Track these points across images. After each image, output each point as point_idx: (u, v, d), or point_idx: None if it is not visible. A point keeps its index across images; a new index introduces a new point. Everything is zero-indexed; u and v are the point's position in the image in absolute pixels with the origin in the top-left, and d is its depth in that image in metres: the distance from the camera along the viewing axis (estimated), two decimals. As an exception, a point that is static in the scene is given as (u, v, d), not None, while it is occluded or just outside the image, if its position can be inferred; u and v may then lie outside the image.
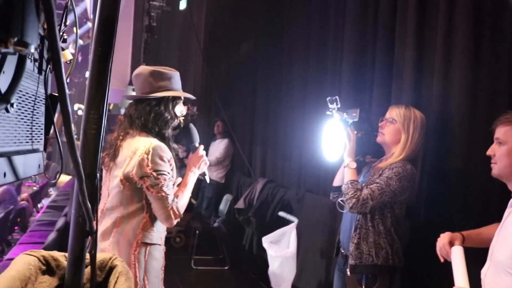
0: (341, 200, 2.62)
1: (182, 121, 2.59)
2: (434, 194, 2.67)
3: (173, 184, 2.39)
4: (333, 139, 2.81)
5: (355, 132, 2.65)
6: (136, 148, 2.27)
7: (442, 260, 2.03)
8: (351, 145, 2.62)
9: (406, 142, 2.48)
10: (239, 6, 6.80)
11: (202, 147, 2.57)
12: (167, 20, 11.13)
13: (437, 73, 2.71)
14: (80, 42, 17.48)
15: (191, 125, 2.60)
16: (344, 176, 2.59)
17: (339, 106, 2.71)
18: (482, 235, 2.04)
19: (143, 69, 2.42)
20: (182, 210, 2.36)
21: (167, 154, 2.30)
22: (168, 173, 2.29)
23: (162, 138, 2.38)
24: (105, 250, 2.26)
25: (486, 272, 1.80)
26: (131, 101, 2.49)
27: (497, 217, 1.85)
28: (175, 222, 2.32)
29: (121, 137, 2.38)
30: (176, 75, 2.45)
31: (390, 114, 2.57)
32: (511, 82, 2.25)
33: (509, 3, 2.25)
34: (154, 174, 2.22)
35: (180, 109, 2.47)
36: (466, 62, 2.51)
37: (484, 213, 2.32)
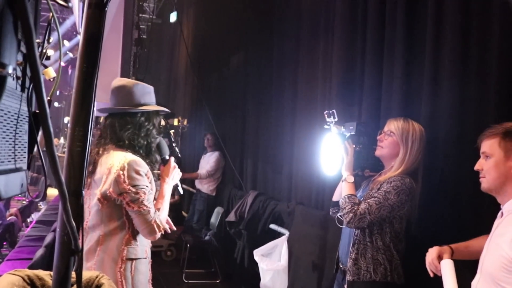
0: (339, 215, 2.58)
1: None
2: (429, 208, 2.64)
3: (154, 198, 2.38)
4: (331, 153, 2.78)
5: (353, 145, 2.62)
6: (111, 164, 2.24)
7: (432, 275, 2.03)
8: (349, 159, 2.59)
9: (405, 155, 2.44)
10: (229, 19, 6.83)
11: (172, 158, 2.58)
12: (157, 33, 11.15)
13: (426, 86, 2.72)
14: (70, 55, 17.42)
15: (160, 139, 2.58)
16: (342, 191, 2.56)
17: (336, 119, 2.68)
18: (470, 248, 2.04)
19: (127, 81, 2.41)
20: (164, 223, 2.34)
21: (143, 168, 2.28)
22: (147, 186, 2.27)
23: (148, 151, 2.39)
24: (91, 269, 2.23)
25: (476, 285, 1.80)
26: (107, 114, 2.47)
27: (488, 230, 1.85)
28: (158, 235, 2.30)
29: (99, 152, 2.35)
30: (152, 89, 2.49)
31: (388, 127, 2.54)
32: (500, 92, 2.25)
33: (498, 10, 2.26)
34: (133, 189, 2.20)
35: (160, 123, 2.50)
36: (454, 74, 2.52)
37: (477, 226, 2.31)
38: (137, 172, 2.23)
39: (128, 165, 2.21)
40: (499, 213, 1.80)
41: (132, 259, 2.28)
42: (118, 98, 2.39)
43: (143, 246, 2.35)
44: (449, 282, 1.87)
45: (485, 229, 1.90)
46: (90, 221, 2.32)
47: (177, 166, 2.58)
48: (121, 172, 2.19)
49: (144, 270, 2.35)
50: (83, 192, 1.07)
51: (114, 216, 2.28)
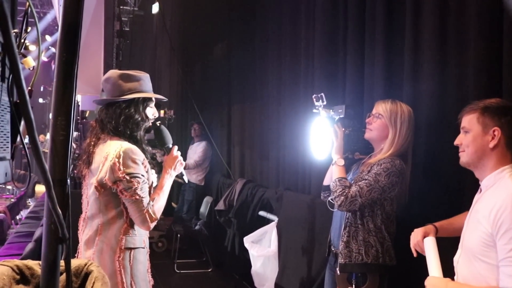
0: (330, 199, 2.57)
1: (157, 123, 2.55)
2: (418, 189, 2.66)
3: (150, 187, 2.37)
4: (320, 137, 2.77)
5: (342, 129, 2.60)
6: (108, 153, 2.25)
7: (415, 255, 2.07)
8: (339, 142, 2.57)
9: (394, 137, 2.44)
10: (211, 8, 6.80)
11: (176, 147, 2.53)
12: (139, 25, 11.06)
13: (407, 67, 2.75)
14: (53, 50, 17.23)
15: (162, 127, 2.55)
16: (332, 174, 2.56)
17: (325, 103, 2.65)
18: (454, 224, 2.08)
19: (112, 72, 2.40)
20: (158, 214, 2.33)
21: (139, 156, 2.28)
22: (142, 175, 2.27)
23: (135, 141, 2.36)
24: (90, 259, 2.24)
25: (458, 260, 1.84)
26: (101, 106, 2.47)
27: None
28: (152, 225, 2.29)
29: (93, 143, 2.36)
30: (145, 77, 2.44)
31: (376, 110, 2.53)
32: (478, 73, 2.29)
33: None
34: (127, 177, 2.20)
35: (152, 111, 2.45)
36: (434, 58, 2.55)
37: (465, 203, 2.33)
38: (133, 160, 2.23)
39: (123, 153, 2.22)
40: (479, 189, 1.84)
41: (130, 249, 2.29)
42: (106, 90, 2.41)
43: (141, 236, 2.35)
44: (432, 259, 1.91)
45: (470, 205, 1.93)
46: (89, 211, 2.33)
47: (179, 155, 2.53)
48: (116, 160, 2.20)
49: (142, 259, 2.35)
50: (68, 180, 1.08)
51: (112, 205, 2.28)
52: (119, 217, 2.29)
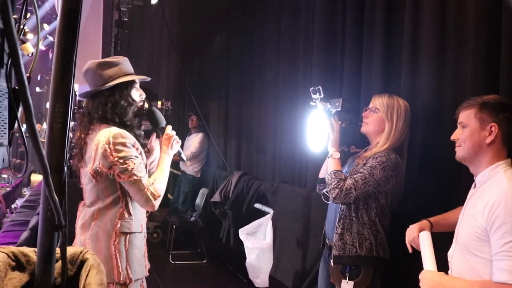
0: (325, 191, 2.57)
1: (146, 105, 2.52)
2: (413, 182, 2.67)
3: (146, 168, 2.36)
4: (317, 129, 2.77)
5: (339, 122, 2.60)
6: (98, 140, 2.25)
7: (410, 250, 2.09)
8: (335, 135, 2.58)
9: (390, 131, 2.45)
10: (211, 1, 6.77)
11: (170, 127, 2.52)
12: (138, 15, 11.01)
13: (405, 62, 2.76)
14: (51, 39, 17.13)
15: (153, 108, 2.52)
16: (328, 167, 2.56)
17: (322, 96, 2.65)
18: (449, 219, 2.10)
19: (90, 63, 2.38)
20: (161, 192, 2.31)
21: (129, 139, 2.27)
22: (136, 156, 2.26)
23: (125, 126, 2.34)
24: (85, 243, 2.26)
25: (452, 254, 1.86)
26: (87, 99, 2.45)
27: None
28: (156, 204, 2.28)
29: (83, 135, 2.36)
30: (124, 61, 2.41)
31: (373, 104, 2.54)
32: (476, 68, 2.29)
33: None
34: (121, 160, 2.20)
35: (139, 93, 2.43)
36: (431, 53, 2.56)
37: (460, 198, 2.33)
38: (123, 144, 2.23)
39: (113, 138, 2.21)
40: (473, 184, 1.85)
41: (126, 233, 2.29)
42: (88, 82, 2.40)
43: (138, 221, 2.35)
44: (427, 253, 1.93)
45: (465, 200, 1.94)
46: (88, 199, 2.35)
47: (175, 134, 2.51)
48: (106, 146, 2.20)
49: (139, 244, 2.35)
50: (65, 168, 1.09)
51: (109, 191, 2.29)
52: (115, 202, 2.30)
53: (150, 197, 2.25)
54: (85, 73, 2.38)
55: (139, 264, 2.35)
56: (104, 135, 2.24)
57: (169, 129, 2.51)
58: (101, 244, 2.25)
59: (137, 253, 2.34)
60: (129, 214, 2.32)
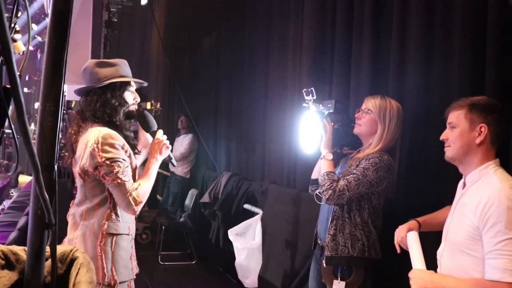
0: (318, 192, 2.58)
1: (140, 109, 2.53)
2: (405, 184, 2.69)
3: (133, 171, 2.36)
4: (310, 131, 2.77)
5: (332, 123, 2.61)
6: (87, 139, 2.24)
7: (399, 251, 2.12)
8: (327, 137, 2.58)
9: (383, 132, 2.46)
10: (200, 2, 6.78)
11: (161, 131, 2.50)
12: (128, 16, 10.99)
13: (393, 66, 2.79)
14: (39, 39, 16.99)
15: (145, 112, 2.50)
16: (321, 168, 2.57)
17: (315, 97, 2.66)
18: (437, 219, 2.12)
19: (89, 62, 2.40)
20: (143, 197, 2.30)
21: (118, 141, 2.26)
22: (124, 159, 2.25)
23: (115, 126, 2.33)
24: (73, 242, 2.25)
25: (442, 253, 1.88)
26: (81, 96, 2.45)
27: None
28: (137, 209, 2.27)
29: (75, 133, 2.36)
30: (122, 63, 2.42)
31: (365, 105, 2.54)
32: (462, 68, 2.33)
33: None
34: (107, 162, 2.19)
35: (133, 96, 2.43)
36: (419, 55, 2.59)
37: (450, 198, 2.35)
38: (112, 145, 2.22)
39: (102, 138, 2.21)
40: (460, 183, 1.88)
41: (113, 234, 2.28)
42: (84, 80, 2.41)
43: (125, 223, 2.35)
44: (415, 252, 1.95)
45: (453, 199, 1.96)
46: (77, 198, 2.35)
47: (165, 139, 2.49)
48: (95, 146, 2.19)
49: (125, 246, 2.35)
50: (55, 166, 1.09)
51: (97, 191, 2.29)
52: (103, 203, 2.29)
53: (132, 202, 2.24)
54: (83, 71, 2.40)
55: (125, 266, 2.33)
56: (94, 135, 2.24)
57: (160, 134, 2.49)
58: (87, 244, 2.24)
59: (123, 255, 2.33)
60: (117, 215, 2.31)
